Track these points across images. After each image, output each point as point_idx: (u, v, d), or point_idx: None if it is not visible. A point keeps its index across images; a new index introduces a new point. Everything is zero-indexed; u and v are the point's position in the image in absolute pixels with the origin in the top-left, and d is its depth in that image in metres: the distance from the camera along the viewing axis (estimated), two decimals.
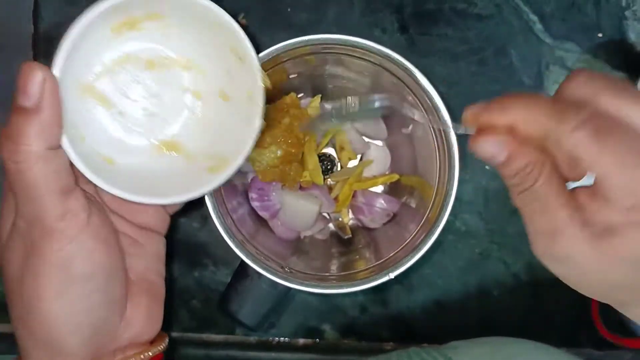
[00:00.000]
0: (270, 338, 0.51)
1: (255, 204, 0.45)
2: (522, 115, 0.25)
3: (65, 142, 0.28)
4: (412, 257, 0.37)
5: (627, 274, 0.25)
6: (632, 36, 0.50)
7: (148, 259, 0.34)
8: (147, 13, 0.31)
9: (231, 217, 0.39)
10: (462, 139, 0.50)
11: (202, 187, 0.32)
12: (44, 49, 0.50)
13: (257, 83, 0.32)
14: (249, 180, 0.46)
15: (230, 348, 0.51)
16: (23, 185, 0.27)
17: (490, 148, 0.25)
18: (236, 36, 0.31)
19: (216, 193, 0.38)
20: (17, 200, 0.28)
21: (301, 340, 0.51)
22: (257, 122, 0.32)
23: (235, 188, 0.44)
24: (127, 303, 0.32)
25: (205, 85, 0.35)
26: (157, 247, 0.35)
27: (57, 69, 0.28)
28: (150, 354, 0.33)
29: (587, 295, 0.28)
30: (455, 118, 0.38)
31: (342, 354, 0.50)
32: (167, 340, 0.35)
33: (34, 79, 0.26)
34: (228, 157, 0.32)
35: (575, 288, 0.27)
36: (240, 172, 0.46)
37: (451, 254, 0.51)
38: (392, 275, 0.37)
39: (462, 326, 0.51)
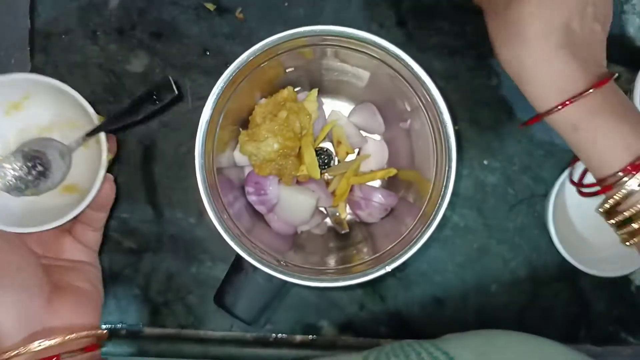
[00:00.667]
0: (268, 334, 0.50)
1: (251, 198, 0.44)
2: None
3: None
4: (409, 250, 0.37)
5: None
6: (630, 30, 0.50)
7: (79, 277, 0.43)
8: (23, 95, 0.42)
9: (227, 212, 0.39)
10: (459, 134, 0.50)
11: (60, 218, 0.40)
12: (40, 44, 0.50)
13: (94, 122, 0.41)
14: (246, 174, 0.45)
15: (228, 344, 0.50)
16: None
17: None
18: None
19: (212, 188, 0.38)
20: None
21: (298, 337, 0.51)
22: (103, 160, 0.41)
23: (232, 182, 0.44)
24: (55, 297, 0.40)
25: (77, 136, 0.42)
26: (88, 270, 0.44)
27: None
28: (75, 335, 0.39)
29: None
30: (454, 113, 0.38)
31: (339, 350, 0.50)
32: (101, 332, 0.42)
33: None
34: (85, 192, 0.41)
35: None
36: (236, 166, 0.46)
37: (449, 250, 0.50)
38: (388, 269, 0.37)
39: (460, 322, 0.50)
